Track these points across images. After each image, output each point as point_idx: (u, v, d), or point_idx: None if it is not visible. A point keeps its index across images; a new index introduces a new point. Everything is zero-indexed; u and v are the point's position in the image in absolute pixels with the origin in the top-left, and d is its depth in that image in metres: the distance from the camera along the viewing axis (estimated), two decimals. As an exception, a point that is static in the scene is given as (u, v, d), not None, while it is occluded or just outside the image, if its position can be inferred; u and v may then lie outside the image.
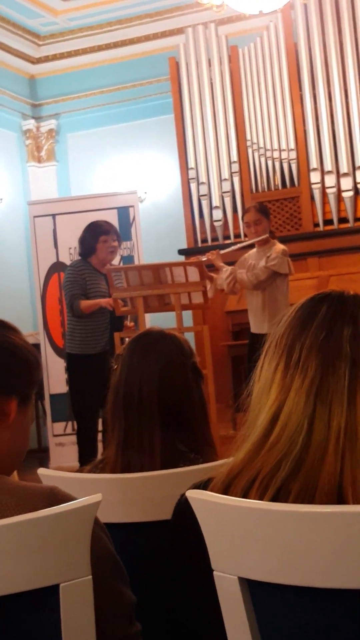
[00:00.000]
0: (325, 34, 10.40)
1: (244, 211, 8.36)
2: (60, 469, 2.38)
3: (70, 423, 9.61)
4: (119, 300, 7.24)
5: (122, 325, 7.55)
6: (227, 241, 10.60)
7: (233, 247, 7.94)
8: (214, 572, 1.57)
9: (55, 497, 1.74)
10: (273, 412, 1.62)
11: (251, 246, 7.96)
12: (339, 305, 1.67)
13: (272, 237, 7.93)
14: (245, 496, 1.58)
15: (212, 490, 1.62)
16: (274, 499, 1.54)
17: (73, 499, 1.74)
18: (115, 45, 11.97)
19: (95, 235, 7.48)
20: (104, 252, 7.48)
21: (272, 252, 7.66)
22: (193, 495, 1.58)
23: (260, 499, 1.55)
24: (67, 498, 1.75)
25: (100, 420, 7.43)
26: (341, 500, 1.49)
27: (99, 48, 12.05)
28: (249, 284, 7.61)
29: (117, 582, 1.80)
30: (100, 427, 7.49)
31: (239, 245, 7.90)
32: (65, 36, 12.13)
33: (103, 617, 1.71)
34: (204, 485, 1.69)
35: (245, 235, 8.56)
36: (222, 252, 7.86)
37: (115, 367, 2.65)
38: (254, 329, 7.78)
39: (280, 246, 7.79)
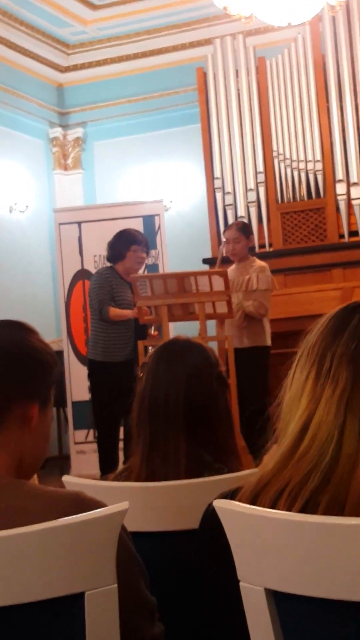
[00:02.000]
0: (353, 46, 10.37)
1: (226, 228, 8.52)
2: (81, 477, 2.37)
3: (91, 431, 9.60)
4: (144, 309, 7.24)
5: (146, 334, 7.55)
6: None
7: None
8: (240, 583, 1.57)
9: (81, 501, 1.74)
10: (303, 422, 1.61)
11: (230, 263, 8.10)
12: None
13: (251, 253, 8.14)
14: (273, 506, 1.57)
15: (240, 500, 1.62)
16: (303, 510, 1.52)
17: (98, 503, 1.74)
18: (144, 55, 11.99)
19: (127, 244, 7.51)
20: (132, 262, 7.51)
21: (258, 272, 7.83)
22: (220, 505, 1.58)
23: (289, 509, 1.54)
24: (92, 502, 1.75)
25: (122, 429, 7.43)
26: None
27: (127, 58, 12.07)
28: (259, 315, 7.75)
29: (140, 583, 1.79)
30: (121, 436, 7.49)
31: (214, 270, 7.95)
32: (94, 45, 12.15)
33: (128, 617, 1.70)
34: (231, 494, 1.68)
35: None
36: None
37: (141, 375, 2.65)
38: (235, 343, 7.83)
39: (261, 263, 7.99)
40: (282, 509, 1.55)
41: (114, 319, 7.33)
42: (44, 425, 1.94)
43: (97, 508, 1.71)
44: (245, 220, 10.51)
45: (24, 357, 1.89)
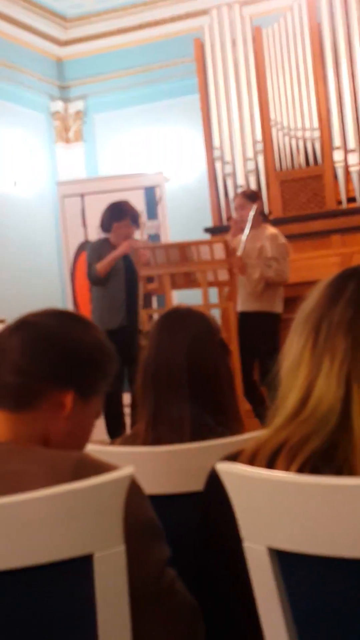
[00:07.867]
0: (349, 13, 10.33)
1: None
2: (91, 442, 2.40)
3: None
4: (137, 242, 7.32)
5: (150, 302, 7.61)
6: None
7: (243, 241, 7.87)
8: (244, 543, 1.58)
9: (85, 463, 1.76)
10: (303, 393, 1.61)
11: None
12: None
13: (264, 220, 8.12)
14: (271, 462, 1.60)
15: (240, 462, 1.64)
16: (301, 469, 1.55)
17: (102, 464, 1.76)
18: (141, 27, 11.95)
19: (110, 221, 7.54)
20: (116, 238, 7.51)
21: (270, 240, 7.80)
22: (222, 468, 1.59)
23: (287, 467, 1.56)
24: (96, 464, 1.76)
25: (127, 395, 7.45)
26: None
27: (125, 30, 12.04)
28: (281, 281, 7.72)
29: (148, 540, 1.81)
30: (127, 402, 7.52)
31: (244, 238, 7.87)
32: (91, 18, 12.12)
33: (137, 573, 1.72)
34: (234, 457, 1.70)
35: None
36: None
37: (145, 343, 2.69)
38: (244, 307, 7.81)
39: (272, 230, 7.98)
40: (280, 467, 1.57)
41: (101, 271, 7.36)
42: (84, 417, 1.93)
43: (100, 469, 1.72)
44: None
45: (66, 346, 1.89)
